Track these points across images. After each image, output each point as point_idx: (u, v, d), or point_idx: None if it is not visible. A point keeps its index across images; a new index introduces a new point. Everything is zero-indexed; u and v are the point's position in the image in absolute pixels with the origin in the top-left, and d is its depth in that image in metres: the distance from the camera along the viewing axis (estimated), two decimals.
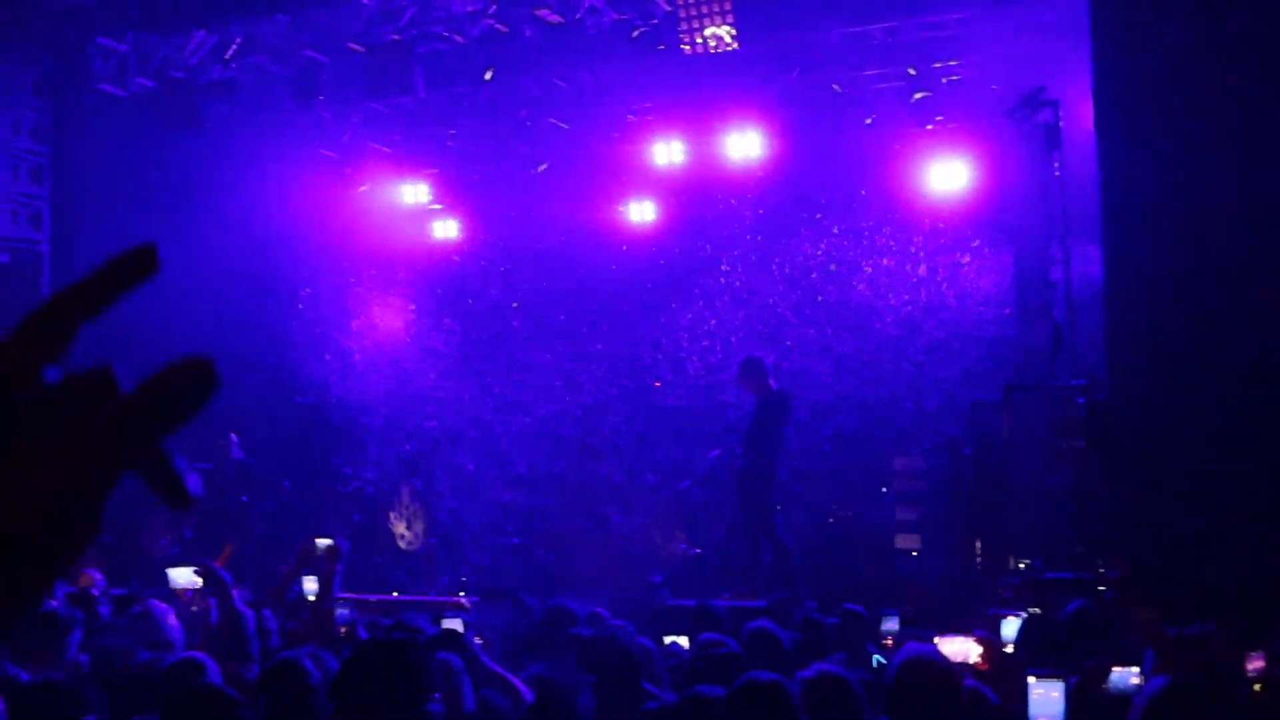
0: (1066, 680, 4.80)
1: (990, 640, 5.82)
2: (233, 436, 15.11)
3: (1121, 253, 10.18)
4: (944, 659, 4.49)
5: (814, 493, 15.61)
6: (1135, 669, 4.94)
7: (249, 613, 6.12)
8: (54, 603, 6.42)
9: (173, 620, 5.99)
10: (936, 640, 6.52)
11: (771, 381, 12.66)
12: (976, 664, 5.87)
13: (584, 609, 8.40)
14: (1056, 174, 12.12)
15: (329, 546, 7.04)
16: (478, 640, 6.74)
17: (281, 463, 16.98)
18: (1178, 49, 9.96)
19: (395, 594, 14.67)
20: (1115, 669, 5.02)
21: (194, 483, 1.01)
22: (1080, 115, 11.70)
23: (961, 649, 6.10)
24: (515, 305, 18.35)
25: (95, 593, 8.00)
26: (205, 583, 6.30)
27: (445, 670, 4.57)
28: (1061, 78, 12.62)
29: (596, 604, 10.88)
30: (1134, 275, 10.05)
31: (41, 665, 5.57)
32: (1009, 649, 6.40)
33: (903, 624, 8.72)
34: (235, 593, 6.23)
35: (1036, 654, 5.98)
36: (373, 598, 13.49)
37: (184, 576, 6.72)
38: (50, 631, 5.85)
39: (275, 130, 16.96)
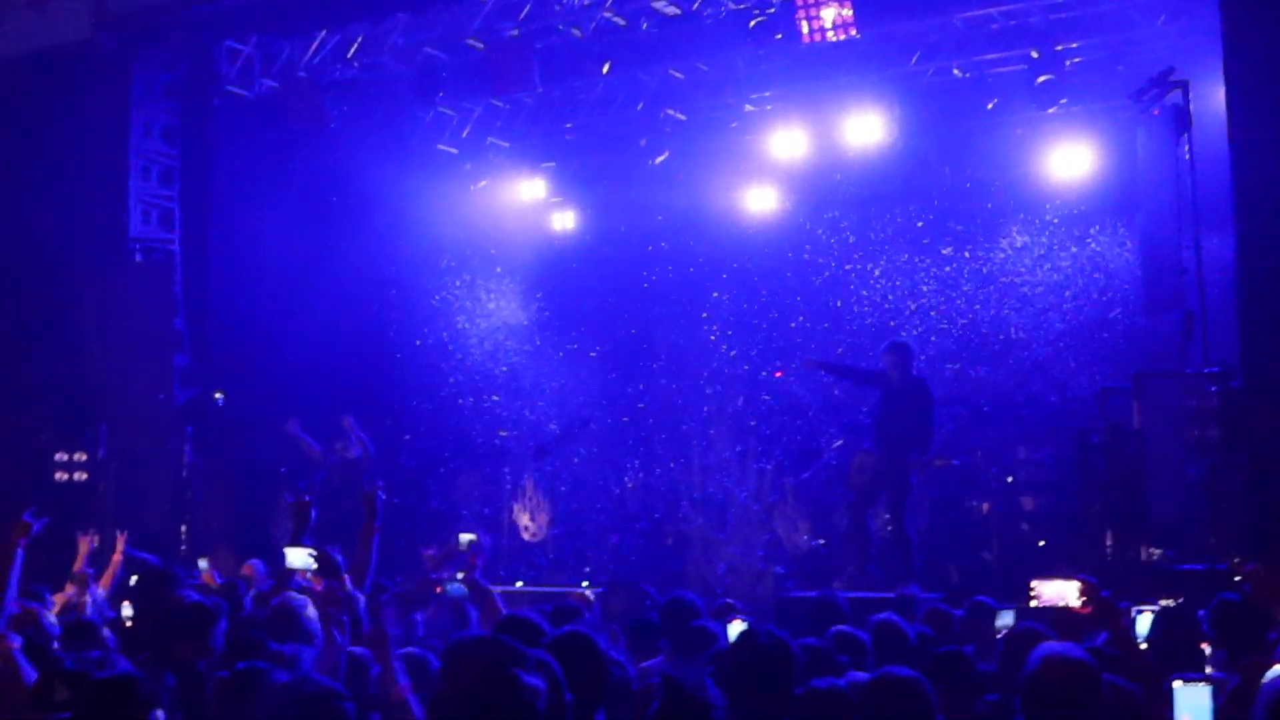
0: (1213, 683, 4.68)
1: (1092, 583, 5.68)
2: (350, 431, 15.22)
3: (1255, 237, 9.93)
4: (1085, 656, 4.36)
5: (939, 483, 15.44)
6: None
7: (359, 595, 6.22)
8: (203, 595, 6.61)
9: (311, 612, 6.09)
10: (1035, 584, 6.37)
11: (914, 370, 12.86)
12: (1076, 607, 5.80)
13: (709, 601, 8.40)
14: (1186, 157, 11.83)
15: (471, 541, 7.13)
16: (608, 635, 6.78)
17: (402, 453, 17.29)
18: None
19: (519, 584, 14.84)
20: (1277, 666, 4.85)
21: None
22: (1210, 96, 11.42)
23: (1060, 591, 5.99)
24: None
25: (240, 584, 8.19)
26: (319, 566, 6.40)
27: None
28: (1190, 58, 12.31)
29: (720, 595, 10.90)
30: (1268, 259, 9.80)
31: (187, 655, 5.73)
32: (1142, 646, 6.25)
33: (1019, 617, 8.59)
34: (346, 577, 6.35)
35: (1173, 649, 5.86)
36: (496, 589, 13.63)
37: (299, 558, 6.82)
38: (196, 623, 6.02)
39: (396, 128, 17.18)
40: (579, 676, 4.52)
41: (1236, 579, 9.47)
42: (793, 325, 17.44)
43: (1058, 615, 7.54)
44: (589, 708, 4.63)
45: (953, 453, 14.16)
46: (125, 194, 15.21)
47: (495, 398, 18.68)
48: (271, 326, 16.15)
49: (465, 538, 7.26)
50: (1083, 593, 5.67)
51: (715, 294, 17.83)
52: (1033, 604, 7.05)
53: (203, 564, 11.22)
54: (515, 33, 14.79)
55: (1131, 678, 4.95)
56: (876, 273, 17.01)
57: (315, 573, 6.59)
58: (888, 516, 12.87)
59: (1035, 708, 4.26)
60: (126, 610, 7.67)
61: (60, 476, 14.60)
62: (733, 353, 17.78)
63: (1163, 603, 8.83)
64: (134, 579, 9.11)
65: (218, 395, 15.76)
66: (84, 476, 14.54)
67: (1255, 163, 9.85)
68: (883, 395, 12.95)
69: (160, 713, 4.77)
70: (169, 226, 15.64)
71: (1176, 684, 4.59)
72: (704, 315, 17.91)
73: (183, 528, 14.81)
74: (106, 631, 7.13)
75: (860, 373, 13.96)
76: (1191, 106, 11.84)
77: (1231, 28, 10.12)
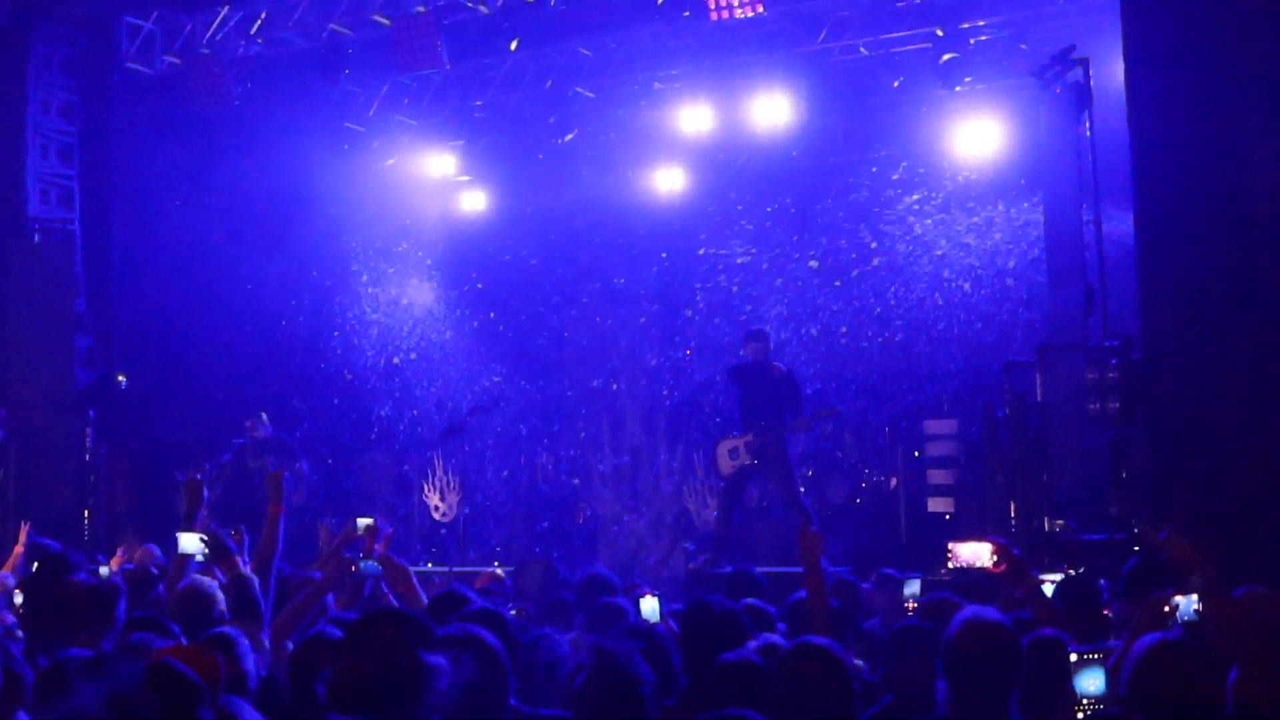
0: (1107, 651, 4.83)
1: (1003, 544, 6.15)
2: (262, 414, 15.18)
3: (1153, 212, 10.09)
4: (1005, 620, 4.52)
5: (846, 458, 15.62)
6: (1194, 596, 5.00)
7: (254, 577, 6.19)
8: (98, 578, 6.53)
9: (221, 595, 6.07)
10: (952, 546, 6.65)
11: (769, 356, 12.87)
12: (990, 567, 6.26)
13: (621, 577, 8.42)
14: (1087, 134, 12.01)
15: (369, 526, 7.06)
16: (513, 612, 6.75)
17: (311, 435, 17.15)
18: (1209, 5, 9.85)
19: (429, 565, 14.78)
20: (1178, 597, 5.08)
21: None
22: (1111, 74, 11.59)
23: (975, 553, 6.37)
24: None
25: (153, 568, 8.07)
26: (210, 549, 6.38)
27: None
28: (1091, 36, 12.50)
29: (630, 572, 10.93)
30: (1166, 234, 9.96)
31: (90, 638, 5.69)
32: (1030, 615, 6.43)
33: (925, 586, 8.74)
34: (239, 559, 6.31)
35: (1076, 617, 5.99)
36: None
37: (192, 543, 6.78)
38: (98, 604, 6.00)
39: (302, 106, 16.97)
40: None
41: (1135, 547, 9.68)
42: (699, 304, 17.52)
43: (968, 582, 7.69)
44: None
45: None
46: (23, 173, 14.84)
47: (398, 365, 18.56)
48: (176, 307, 15.92)
49: (363, 522, 7.17)
50: (995, 553, 6.02)
51: (622, 279, 17.86)
52: (949, 565, 7.23)
53: (104, 571, 10.98)
54: (422, 9, 14.67)
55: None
56: (782, 251, 17.11)
57: (207, 557, 6.52)
58: (781, 494, 12.88)
59: (957, 670, 4.38)
60: (18, 598, 7.51)
61: None
62: (643, 319, 17.77)
63: (1069, 571, 9.01)
64: (34, 565, 8.95)
65: (121, 378, 15.50)
66: None
67: (1153, 139, 10.00)
68: (744, 380, 12.90)
69: None
70: (69, 206, 15.31)
71: (1073, 656, 4.73)
72: (613, 293, 17.91)
73: (86, 513, 14.56)
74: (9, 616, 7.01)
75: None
76: (1092, 84, 12.02)
77: (1130, 5, 10.26)
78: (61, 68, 15.29)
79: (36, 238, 14.98)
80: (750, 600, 6.85)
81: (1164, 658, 4.30)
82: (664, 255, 17.70)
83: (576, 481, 17.06)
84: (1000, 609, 5.69)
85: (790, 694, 4.54)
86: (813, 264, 16.91)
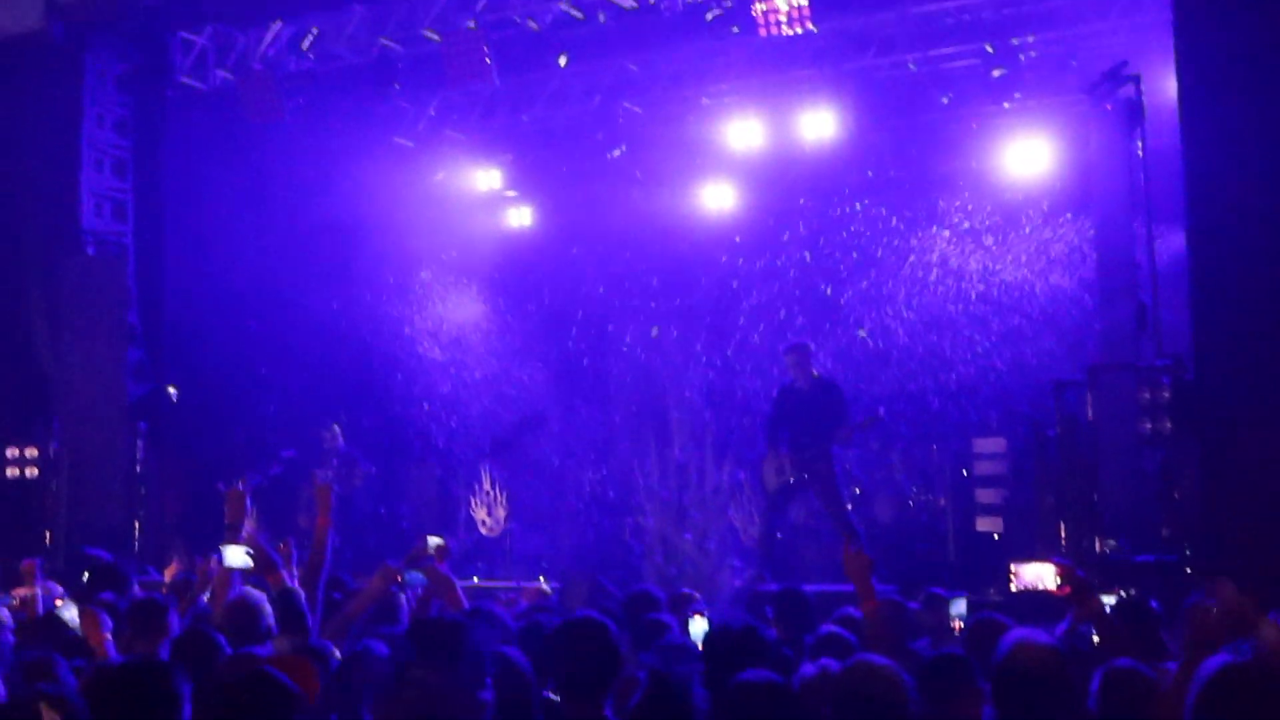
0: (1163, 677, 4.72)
1: (1068, 566, 5.98)
2: (335, 426, 15.35)
3: (1206, 230, 10.01)
4: (1055, 642, 4.42)
5: (894, 476, 15.52)
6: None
7: (301, 590, 6.21)
8: (148, 591, 6.58)
9: (269, 607, 6.09)
10: (1015, 567, 6.54)
11: (814, 369, 12.78)
12: (1054, 590, 6.09)
13: (668, 593, 8.39)
14: (1139, 151, 11.93)
15: (438, 546, 7.07)
16: None
17: (362, 449, 17.21)
18: (1263, 21, 9.78)
19: (475, 579, 14.78)
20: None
21: None
22: (1163, 90, 11.52)
23: (1038, 574, 6.24)
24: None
25: (194, 579, 8.13)
26: (255, 563, 6.41)
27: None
28: (1143, 52, 12.42)
29: (677, 588, 10.89)
30: (1219, 253, 9.89)
31: (140, 649, 5.73)
32: (1095, 640, 6.32)
33: (973, 606, 8.65)
34: (285, 572, 6.33)
35: (1134, 639, 5.90)
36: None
37: (237, 556, 6.81)
38: (149, 617, 6.04)
39: (352, 120, 17.08)
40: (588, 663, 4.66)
41: (1187, 569, 9.58)
42: (748, 319, 17.47)
43: (1013, 603, 7.61)
44: (595, 697, 4.72)
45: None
46: (77, 186, 15.03)
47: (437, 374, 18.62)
48: (227, 320, 16.03)
49: (433, 541, 7.18)
50: (1060, 574, 5.90)
51: (670, 295, 17.83)
52: (1012, 587, 7.14)
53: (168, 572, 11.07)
54: (472, 24, 14.73)
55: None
56: (831, 266, 17.05)
57: (253, 570, 6.56)
58: (827, 512, 12.82)
59: (1006, 694, 4.30)
60: (70, 611, 7.55)
61: (11, 473, 14.44)
62: (691, 334, 17.72)
63: (1121, 593, 8.91)
64: (85, 576, 9.02)
65: (171, 390, 15.63)
66: (35, 473, 14.39)
67: (1206, 156, 9.93)
68: (790, 401, 12.84)
69: None
70: (122, 219, 15.48)
71: None
72: (660, 309, 17.88)
73: (136, 524, 14.68)
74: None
75: (770, 421, 13.23)
76: (1144, 100, 11.95)
77: (1182, 21, 10.20)
78: (116, 83, 15.49)
79: (90, 250, 15.16)
80: (834, 629, 6.66)
81: (1231, 682, 4.16)
82: (712, 271, 17.65)
83: (623, 497, 17.02)
84: (1067, 635, 5.60)
85: (846, 712, 4.48)
86: (861, 333, 16.84)
